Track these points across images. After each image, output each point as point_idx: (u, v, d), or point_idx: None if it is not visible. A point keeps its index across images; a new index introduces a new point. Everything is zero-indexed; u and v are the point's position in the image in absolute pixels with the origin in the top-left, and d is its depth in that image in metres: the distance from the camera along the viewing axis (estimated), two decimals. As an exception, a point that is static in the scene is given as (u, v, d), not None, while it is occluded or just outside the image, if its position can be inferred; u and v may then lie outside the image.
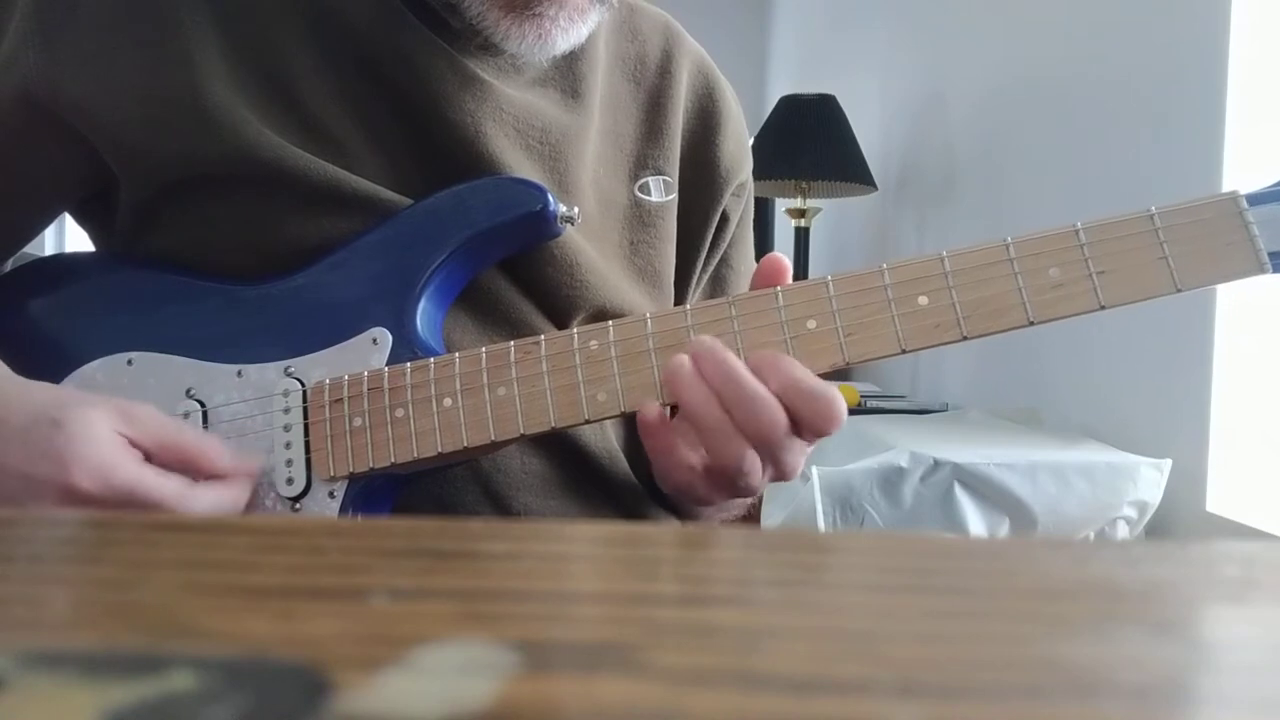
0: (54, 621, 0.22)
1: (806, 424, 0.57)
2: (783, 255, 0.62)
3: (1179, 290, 0.56)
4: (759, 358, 0.57)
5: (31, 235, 0.77)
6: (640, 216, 0.75)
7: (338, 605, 0.22)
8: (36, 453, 0.56)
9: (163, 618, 0.22)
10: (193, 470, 0.60)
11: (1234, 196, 0.56)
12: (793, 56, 4.10)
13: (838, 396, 0.57)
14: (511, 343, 0.61)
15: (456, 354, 0.62)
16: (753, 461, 0.57)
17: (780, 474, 0.59)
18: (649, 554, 0.29)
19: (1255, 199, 0.56)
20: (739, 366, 0.56)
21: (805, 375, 0.57)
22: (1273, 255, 0.55)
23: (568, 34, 0.67)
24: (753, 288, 0.61)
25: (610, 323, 0.61)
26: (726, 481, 0.59)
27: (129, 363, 0.66)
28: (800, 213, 2.65)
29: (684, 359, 0.57)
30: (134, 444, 0.58)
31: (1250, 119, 1.39)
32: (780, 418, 0.56)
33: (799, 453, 0.58)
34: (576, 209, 0.67)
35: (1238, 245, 0.55)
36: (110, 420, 0.57)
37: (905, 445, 1.41)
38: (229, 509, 0.60)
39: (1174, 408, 1.50)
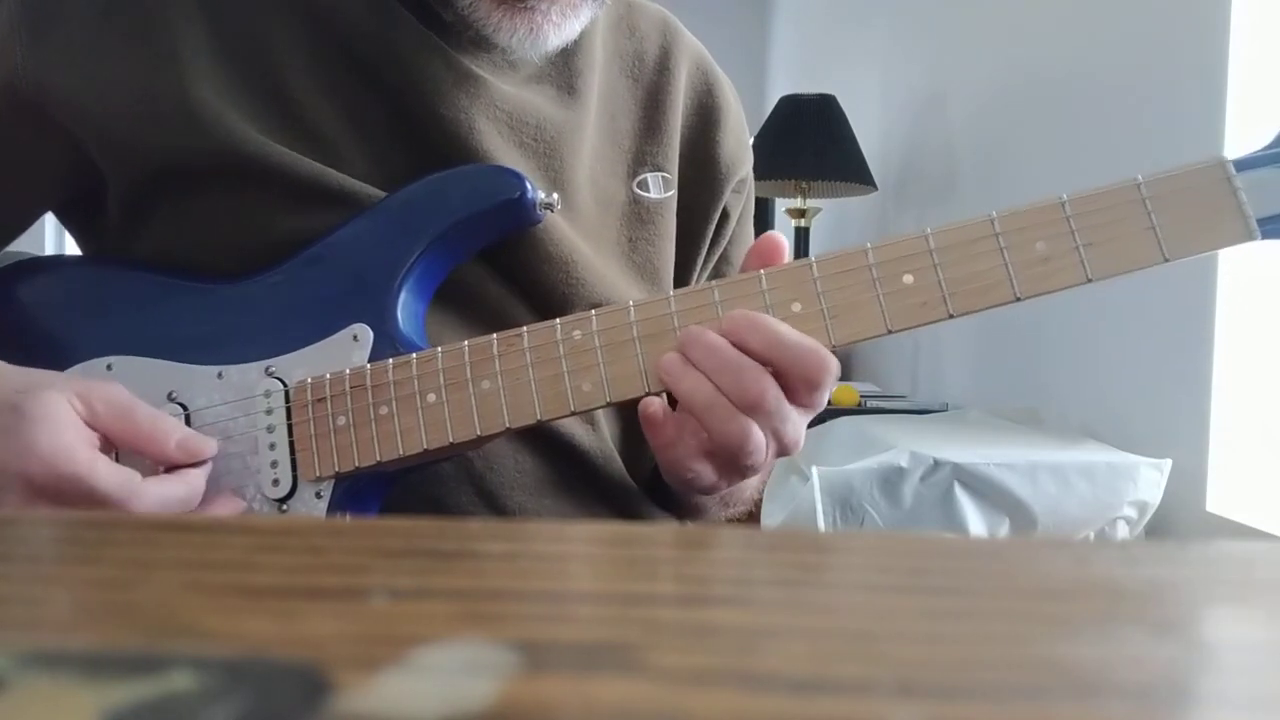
0: (54, 621, 0.22)
1: (796, 380, 0.56)
2: (780, 235, 0.62)
3: (1167, 260, 0.55)
4: (734, 320, 0.57)
5: (16, 233, 0.77)
6: (639, 213, 0.75)
7: (338, 605, 0.22)
8: (2, 439, 0.56)
9: (163, 618, 0.22)
10: (144, 456, 0.59)
11: (1221, 162, 0.55)
12: (793, 56, 4.10)
13: (822, 349, 0.56)
14: (494, 335, 0.61)
15: (439, 348, 0.61)
16: (757, 437, 0.57)
17: (782, 447, 0.59)
18: (649, 554, 0.29)
19: (1243, 164, 0.55)
20: (718, 339, 0.56)
21: (788, 332, 0.56)
22: (1261, 221, 0.54)
23: (560, 29, 0.67)
24: (749, 266, 0.61)
25: (593, 312, 0.60)
26: (732, 462, 0.59)
27: (108, 368, 0.66)
28: (800, 213, 2.65)
29: (674, 354, 0.58)
30: (92, 426, 0.58)
31: (1250, 119, 1.39)
32: (768, 382, 0.56)
33: (797, 423, 0.58)
34: (556, 196, 0.66)
35: (1226, 212, 0.54)
36: (70, 400, 0.57)
37: (905, 445, 1.41)
38: (178, 503, 0.59)
39: (1174, 408, 1.50)
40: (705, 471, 0.60)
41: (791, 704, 0.18)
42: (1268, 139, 0.56)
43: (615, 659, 0.19)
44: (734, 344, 0.56)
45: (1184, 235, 0.55)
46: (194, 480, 0.61)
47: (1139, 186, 0.55)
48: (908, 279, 0.56)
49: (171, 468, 0.60)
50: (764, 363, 0.56)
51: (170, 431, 0.60)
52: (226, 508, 0.62)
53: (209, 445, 0.62)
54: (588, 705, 0.17)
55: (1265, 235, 0.54)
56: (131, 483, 0.57)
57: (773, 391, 0.56)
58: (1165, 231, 0.55)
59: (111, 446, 0.59)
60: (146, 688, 0.17)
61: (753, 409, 0.56)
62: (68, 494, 0.56)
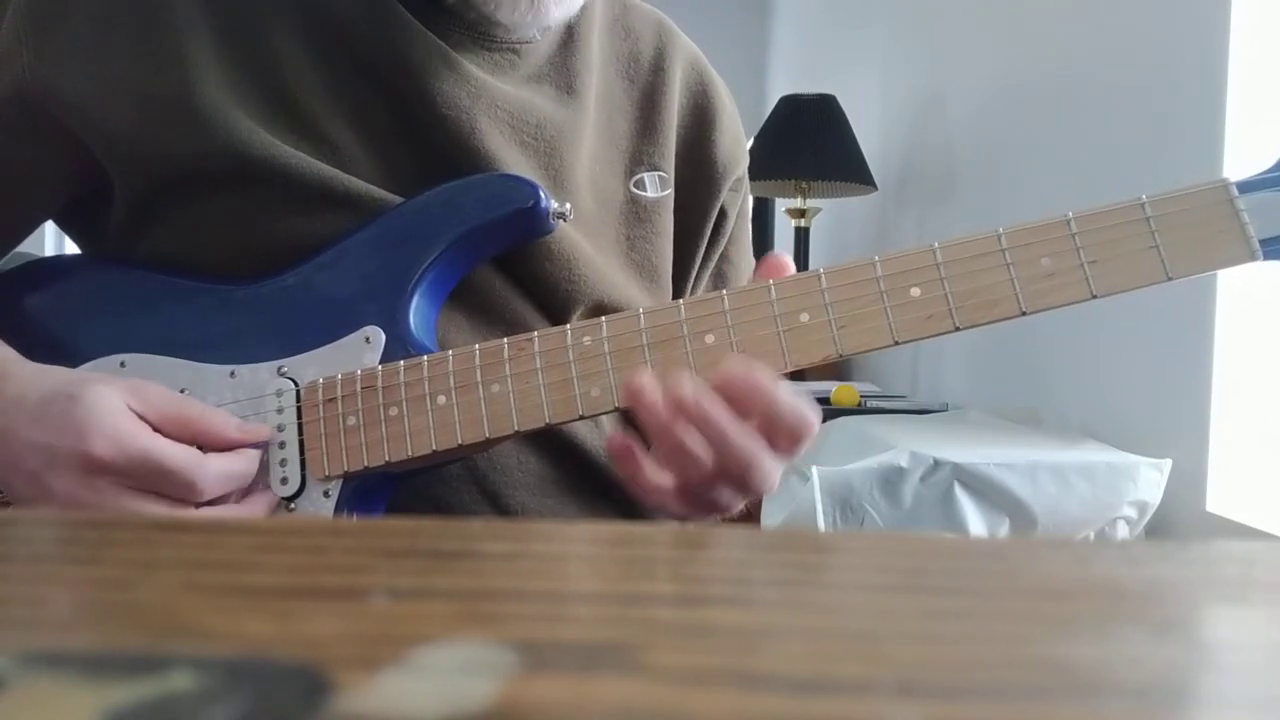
0: (54, 621, 0.22)
1: (779, 440, 0.56)
2: (785, 254, 0.62)
3: (1170, 279, 0.56)
4: (731, 383, 0.55)
5: (22, 236, 0.77)
6: (636, 212, 0.75)
7: (338, 605, 0.22)
8: (55, 426, 0.57)
9: (163, 618, 0.22)
10: (201, 442, 0.61)
11: (1224, 184, 0.56)
12: (793, 56, 4.10)
13: (809, 413, 0.56)
14: (505, 339, 0.61)
15: (450, 351, 0.62)
16: (722, 489, 0.57)
17: (756, 493, 0.58)
18: (648, 554, 0.29)
19: (1245, 186, 0.56)
20: (716, 410, 0.55)
21: (783, 397, 0.55)
22: (1264, 242, 0.55)
23: (561, 3, 0.68)
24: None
25: (603, 318, 0.61)
26: (698, 501, 0.58)
27: (121, 365, 0.66)
28: (800, 213, 2.65)
29: (645, 385, 0.56)
30: (143, 418, 0.59)
31: (1250, 119, 1.39)
32: (760, 451, 0.55)
33: (775, 471, 0.58)
34: (569, 205, 0.67)
35: (1229, 233, 0.55)
36: (122, 395, 0.59)
37: (905, 445, 1.41)
38: (239, 477, 0.61)
39: (1174, 408, 1.50)
40: (671, 504, 0.58)
41: (791, 704, 0.18)
42: (1269, 162, 0.57)
43: (615, 659, 0.19)
44: (728, 401, 0.55)
45: (1186, 254, 0.56)
46: (252, 458, 0.62)
47: (1143, 206, 0.56)
48: (915, 292, 0.57)
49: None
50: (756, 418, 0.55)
51: (227, 418, 0.62)
52: (260, 505, 0.63)
53: (266, 430, 0.63)
54: (587, 705, 0.17)
55: (1267, 256, 0.55)
56: (197, 456, 0.59)
57: (762, 456, 0.55)
58: (1168, 250, 0.55)
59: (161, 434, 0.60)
60: (146, 688, 0.17)
61: (737, 472, 0.56)
62: (130, 471, 0.57)
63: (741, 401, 0.55)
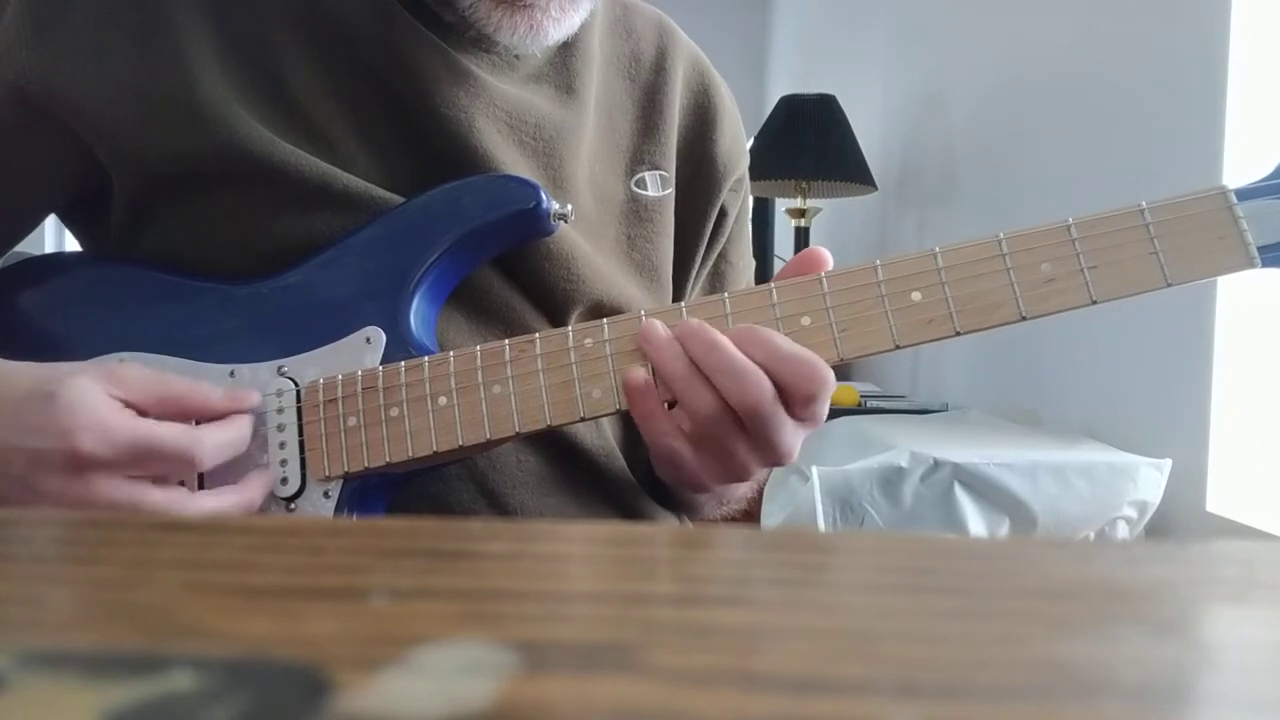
0: (54, 621, 0.22)
1: (789, 389, 0.57)
2: (824, 250, 0.62)
3: (1169, 285, 0.56)
4: (738, 332, 0.57)
5: (21, 235, 0.77)
6: (637, 211, 0.75)
7: (338, 605, 0.22)
8: (35, 427, 0.56)
9: (163, 618, 0.22)
10: (189, 416, 0.60)
11: (1223, 191, 0.56)
12: (793, 56, 4.10)
13: (819, 360, 0.57)
14: (506, 341, 0.62)
15: (451, 352, 0.62)
16: (736, 438, 0.57)
17: (774, 456, 0.59)
18: (648, 554, 0.29)
19: (1244, 194, 0.56)
20: (721, 338, 0.57)
21: (785, 342, 0.57)
22: (1262, 249, 0.56)
23: (559, 24, 0.68)
24: (785, 275, 0.61)
25: (605, 320, 0.61)
26: (714, 449, 0.58)
27: (119, 363, 0.66)
28: (800, 213, 2.66)
29: (657, 323, 0.58)
30: (128, 403, 0.59)
31: (1250, 119, 1.39)
32: (766, 384, 0.56)
33: (791, 432, 0.58)
34: (570, 206, 0.67)
35: (1227, 240, 0.56)
36: (101, 384, 0.58)
37: (905, 445, 1.41)
38: (235, 444, 0.61)
39: (1174, 408, 1.50)
40: (686, 454, 0.59)
41: (791, 704, 0.18)
42: (1268, 165, 0.57)
43: (615, 659, 0.19)
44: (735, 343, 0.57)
45: (1186, 261, 0.56)
46: (243, 424, 0.62)
47: (1143, 212, 0.57)
48: (915, 296, 0.58)
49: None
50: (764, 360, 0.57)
51: (211, 388, 0.62)
52: (258, 485, 0.62)
53: (255, 395, 0.63)
54: (587, 705, 0.17)
55: (1265, 263, 0.56)
56: (189, 430, 0.59)
57: (769, 394, 0.56)
58: (1167, 257, 0.56)
59: (147, 417, 0.60)
60: (146, 688, 0.17)
61: (749, 412, 0.56)
62: (122, 460, 0.57)
63: (747, 344, 0.57)
